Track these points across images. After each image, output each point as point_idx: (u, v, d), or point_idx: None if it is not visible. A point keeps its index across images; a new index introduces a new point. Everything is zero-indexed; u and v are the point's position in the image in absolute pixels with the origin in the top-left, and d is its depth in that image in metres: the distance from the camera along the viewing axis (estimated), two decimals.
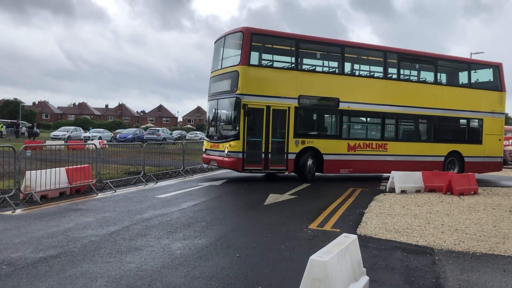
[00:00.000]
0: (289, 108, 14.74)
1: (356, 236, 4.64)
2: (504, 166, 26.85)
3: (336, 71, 16.21)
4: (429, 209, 10.30)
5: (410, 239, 7.44)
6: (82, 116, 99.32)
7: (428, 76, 18.34)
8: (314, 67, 16.31)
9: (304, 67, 15.93)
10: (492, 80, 19.14)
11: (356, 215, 9.49)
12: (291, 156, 14.84)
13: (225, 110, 15.22)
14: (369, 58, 17.57)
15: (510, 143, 29.01)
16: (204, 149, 16.30)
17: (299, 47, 15.42)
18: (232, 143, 14.19)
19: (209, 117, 16.40)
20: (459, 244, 7.15)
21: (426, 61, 17.94)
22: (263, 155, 14.32)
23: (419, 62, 17.96)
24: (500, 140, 19.09)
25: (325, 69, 16.45)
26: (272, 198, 11.28)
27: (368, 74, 17.29)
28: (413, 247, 6.93)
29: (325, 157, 15.46)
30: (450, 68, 18.77)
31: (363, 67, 17.58)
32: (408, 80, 17.78)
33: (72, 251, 6.05)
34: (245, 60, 14.37)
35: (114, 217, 8.46)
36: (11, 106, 76.81)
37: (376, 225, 8.45)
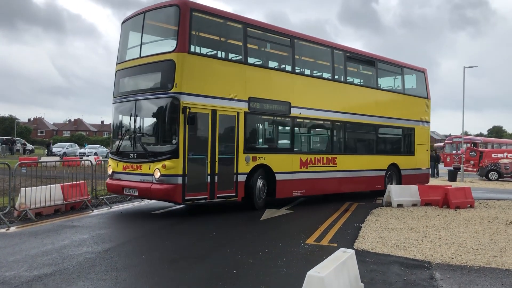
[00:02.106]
0: (238, 113, 11.12)
1: (353, 251, 4.63)
2: (499, 179, 26.90)
3: (287, 69, 13.13)
4: (425, 223, 10.29)
5: (407, 253, 7.41)
6: (77, 132, 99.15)
7: (370, 79, 16.43)
8: (264, 62, 13.09)
9: (253, 61, 12.50)
10: (419, 86, 17.89)
11: (353, 229, 9.47)
12: (241, 178, 11.14)
13: (153, 116, 11.00)
14: (318, 55, 14.97)
15: (505, 156, 29.17)
16: (110, 172, 11.44)
17: (248, 34, 11.85)
18: (167, 163, 9.92)
19: (117, 125, 11.86)
20: (457, 258, 7.13)
21: (368, 62, 15.95)
22: (208, 178, 10.44)
23: (361, 63, 15.98)
24: (427, 150, 18.07)
25: (276, 65, 13.59)
26: (268, 213, 11.24)
27: (317, 75, 14.69)
28: (410, 261, 6.90)
29: (278, 177, 12.03)
30: (387, 71, 16.90)
31: (312, 65, 15.00)
32: (353, 84, 15.66)
33: (67, 269, 5.99)
34: (184, 45, 10.34)
35: (109, 234, 8.40)
36: (6, 123, 76.68)
37: (373, 239, 8.42)
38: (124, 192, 10.92)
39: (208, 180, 10.45)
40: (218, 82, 10.96)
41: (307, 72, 14.49)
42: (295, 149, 12.86)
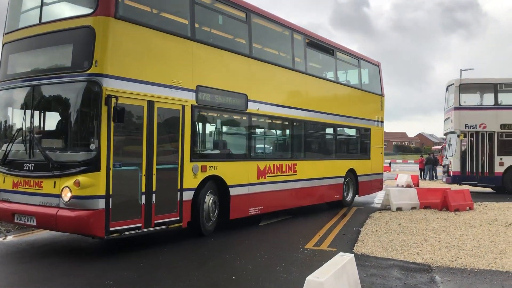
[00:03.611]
0: (183, 107, 8.19)
1: (352, 255, 4.60)
2: None
3: (243, 52, 10.18)
4: (425, 226, 10.26)
5: (407, 256, 7.38)
6: None
7: (329, 71, 14.22)
8: (214, 39, 10.03)
9: (202, 37, 9.31)
10: (374, 81, 15.93)
11: (352, 233, 9.43)
12: (187, 195, 8.25)
13: (60, 110, 7.74)
14: (276, 38, 12.24)
15: None
16: None
17: (195, 0, 8.93)
18: (82, 178, 6.77)
19: (4, 122, 8.41)
20: (457, 261, 7.10)
21: (327, 51, 13.56)
22: (142, 199, 7.38)
23: (321, 51, 13.49)
24: (381, 153, 16.16)
25: (230, 45, 10.36)
26: (266, 219, 11.20)
27: (275, 62, 11.49)
28: (410, 265, 6.87)
29: (233, 191, 9.33)
30: (345, 63, 14.63)
31: (270, 49, 12.13)
32: (314, 76, 12.82)
33: None
34: (108, 5, 7.19)
35: None
36: None
37: (372, 243, 8.39)
38: (16, 220, 7.50)
39: (143, 201, 7.36)
40: (157, 63, 7.93)
41: (266, 57, 11.37)
42: (252, 155, 10.17)
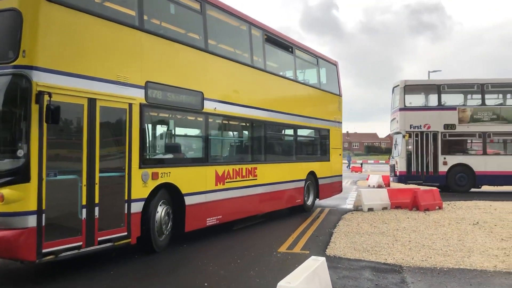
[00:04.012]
0: (131, 106, 7.23)
1: (324, 258, 4.61)
2: None
3: (198, 45, 9.28)
4: (396, 226, 10.41)
5: (378, 257, 7.46)
6: None
7: (288, 69, 13.56)
8: (165, 31, 9.00)
9: (152, 27, 8.37)
10: (332, 81, 15.54)
11: (325, 235, 9.48)
12: (136, 207, 7.29)
13: None
14: (233, 32, 11.36)
15: None
16: None
17: None
18: (6, 191, 5.78)
19: None
20: (427, 260, 7.22)
21: (286, 48, 13.00)
22: (83, 213, 6.39)
23: (280, 47, 12.79)
24: (340, 155, 15.90)
25: (183, 37, 9.43)
26: (240, 222, 11.15)
27: (233, 58, 10.72)
28: (382, 266, 6.94)
29: (189, 200, 8.41)
30: (304, 61, 14.13)
31: (228, 44, 11.02)
32: (273, 73, 12.10)
33: None
34: None
35: None
36: None
37: (345, 244, 8.45)
38: None
39: (84, 215, 6.36)
40: (100, 55, 6.92)
41: (223, 52, 10.42)
42: (209, 159, 9.31)
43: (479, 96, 19.86)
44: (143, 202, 7.41)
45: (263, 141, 11.29)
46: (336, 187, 15.37)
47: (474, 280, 6.16)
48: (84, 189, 6.42)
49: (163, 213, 7.84)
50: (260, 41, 11.56)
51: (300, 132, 13.44)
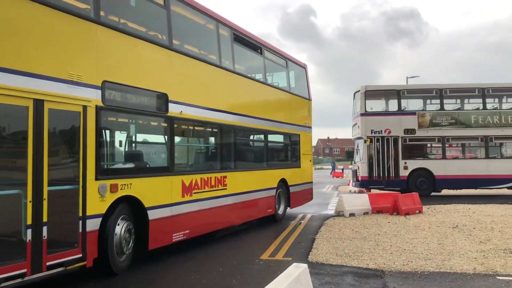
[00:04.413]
0: (85, 108, 6.39)
1: (306, 265, 4.58)
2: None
3: (162, 42, 8.42)
4: (377, 231, 10.48)
5: (360, 262, 7.48)
6: None
7: (258, 71, 12.72)
8: (125, 25, 7.90)
9: (110, 20, 7.46)
10: (301, 84, 15.03)
11: (307, 241, 9.48)
12: (93, 225, 6.41)
13: None
14: (200, 29, 10.46)
15: None
16: None
17: None
18: None
19: None
20: (408, 264, 7.27)
21: (255, 48, 12.22)
22: (28, 235, 5.48)
23: (249, 48, 11.97)
24: (310, 161, 15.47)
25: (146, 34, 8.40)
26: (222, 229, 11.08)
27: (200, 57, 9.86)
28: (364, 271, 6.97)
29: (152, 214, 7.52)
30: (273, 63, 13.42)
31: (194, 42, 10.11)
32: (242, 75, 11.38)
33: None
34: None
35: None
36: None
37: (327, 250, 8.46)
38: None
39: (29, 237, 5.45)
40: (48, 50, 5.98)
41: (189, 51, 9.55)
42: (175, 168, 8.39)
43: (438, 101, 20.21)
44: (100, 219, 6.50)
45: (232, 147, 10.54)
46: (307, 195, 14.87)
47: (454, 283, 6.23)
48: (30, 205, 5.45)
49: (123, 230, 6.92)
50: (229, 40, 10.78)
51: (271, 137, 12.85)
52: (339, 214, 13.58)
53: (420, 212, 13.81)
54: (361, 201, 13.96)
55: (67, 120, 6.24)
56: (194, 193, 8.74)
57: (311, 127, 15.33)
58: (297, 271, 4.29)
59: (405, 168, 19.57)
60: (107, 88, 6.81)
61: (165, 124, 8.27)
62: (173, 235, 8.11)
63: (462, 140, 20.22)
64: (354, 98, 21.49)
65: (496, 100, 21.03)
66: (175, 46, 8.67)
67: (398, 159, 19.62)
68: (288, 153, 14.01)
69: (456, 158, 20.68)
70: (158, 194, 7.76)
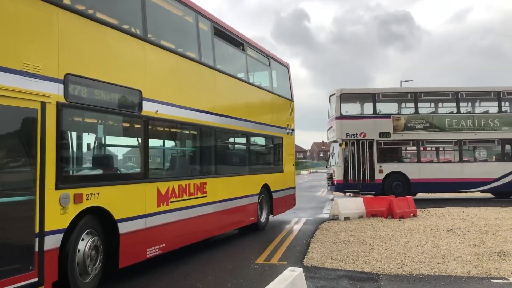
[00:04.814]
0: (44, 105, 5.46)
1: (301, 269, 4.59)
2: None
3: (136, 33, 7.52)
4: (372, 234, 10.50)
5: (355, 266, 7.49)
6: None
7: (239, 69, 11.76)
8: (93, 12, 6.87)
9: (74, 4, 6.41)
10: (283, 84, 14.27)
11: (302, 245, 9.48)
12: (52, 242, 5.44)
13: None
14: (178, 21, 9.49)
15: None
16: None
17: None
18: None
19: None
20: (403, 268, 7.29)
21: (237, 44, 11.42)
22: None
23: (230, 43, 11.08)
24: (293, 165, 14.62)
25: (117, 22, 7.38)
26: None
27: (179, 51, 8.92)
28: (359, 275, 6.97)
29: (124, 227, 6.63)
30: (256, 60, 12.62)
31: (171, 34, 9.15)
32: (224, 73, 10.38)
33: None
34: None
35: None
36: None
37: (322, 254, 8.47)
38: None
39: None
40: None
41: (166, 44, 8.51)
42: (150, 175, 7.39)
43: (413, 105, 20.20)
44: (62, 235, 5.56)
45: (213, 151, 9.66)
46: (290, 201, 14.06)
47: (448, 286, 6.25)
48: None
49: (87, 247, 5.93)
50: (209, 34, 9.84)
51: (254, 140, 12.04)
52: (334, 217, 13.60)
53: (415, 215, 13.85)
54: (356, 204, 13.99)
55: (21, 118, 5.29)
56: (171, 202, 7.78)
57: (294, 130, 14.70)
58: (293, 275, 4.30)
59: (380, 171, 19.48)
60: (71, 82, 5.85)
61: (139, 125, 7.27)
62: (148, 250, 7.12)
63: (437, 143, 20.30)
64: (329, 102, 21.31)
65: (470, 104, 21.14)
66: (151, 38, 7.72)
67: (374, 163, 19.53)
68: (271, 157, 13.34)
69: (431, 161, 20.68)
70: (130, 204, 6.79)
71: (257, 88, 12.29)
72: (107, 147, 7.19)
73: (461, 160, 19.86)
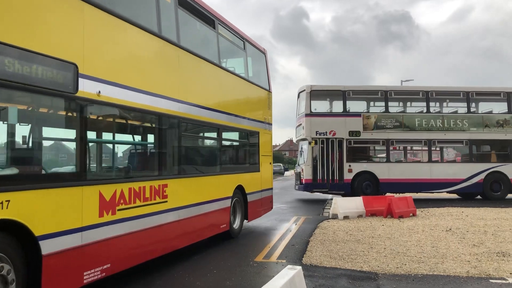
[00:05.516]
0: None
1: (300, 267, 4.59)
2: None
3: None
4: (371, 234, 10.50)
5: (354, 265, 7.50)
6: None
7: (209, 50, 9.77)
8: None
9: None
10: (260, 73, 12.71)
11: (301, 244, 9.48)
12: None
13: None
14: None
15: None
16: None
17: None
18: None
19: None
20: (402, 267, 7.29)
21: (206, 20, 9.43)
22: None
23: (198, 17, 9.15)
24: (270, 163, 13.11)
25: None
26: None
27: (131, 18, 6.70)
28: (357, 273, 6.98)
29: (48, 247, 4.79)
30: (229, 42, 10.70)
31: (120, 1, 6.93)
32: (191, 52, 8.44)
33: None
34: None
35: None
36: None
37: (321, 252, 8.47)
38: None
39: None
40: None
41: (114, 8, 6.35)
42: (89, 175, 5.71)
43: (383, 103, 19.99)
44: None
45: (176, 146, 7.87)
46: (267, 204, 12.56)
47: (447, 286, 6.25)
48: None
49: None
50: (172, 3, 8.07)
51: (226, 135, 10.33)
52: (333, 217, 13.61)
53: (414, 215, 13.86)
54: (355, 204, 14.00)
55: None
56: (119, 210, 6.06)
57: (271, 124, 13.21)
58: (291, 273, 4.30)
59: (350, 171, 19.20)
60: None
61: (74, 110, 5.48)
62: (85, 273, 5.39)
63: (406, 143, 20.17)
64: (298, 98, 20.85)
65: (440, 104, 21.03)
66: None
67: (343, 162, 19.24)
68: (246, 154, 11.69)
69: (400, 161, 20.46)
70: (59, 214, 5.06)
71: (230, 74, 10.53)
72: (27, 138, 5.27)
73: (430, 160, 19.73)
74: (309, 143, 19.37)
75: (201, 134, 9.75)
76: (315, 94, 19.82)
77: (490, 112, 20.33)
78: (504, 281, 6.45)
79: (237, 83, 10.95)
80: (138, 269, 7.29)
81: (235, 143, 11.32)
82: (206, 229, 8.96)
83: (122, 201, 6.15)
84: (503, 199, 19.21)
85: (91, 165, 5.98)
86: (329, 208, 14.64)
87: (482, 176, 19.36)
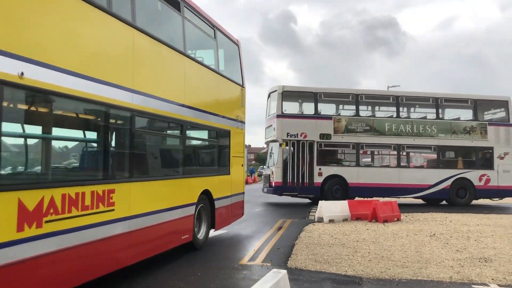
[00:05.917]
0: None
1: (285, 271, 4.57)
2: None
3: None
4: (356, 238, 10.54)
5: (339, 269, 7.51)
6: None
7: (173, 35, 8.56)
8: None
9: None
10: (232, 66, 11.70)
11: (287, 247, 9.47)
12: None
13: None
14: None
15: None
16: None
17: None
18: None
19: None
20: (386, 272, 7.32)
21: (171, 2, 8.30)
22: None
23: None
24: (242, 165, 12.01)
25: None
26: None
27: None
28: (342, 277, 6.99)
29: None
30: (197, 28, 9.44)
31: None
32: (149, 35, 7.24)
33: None
34: None
35: None
36: None
37: (306, 256, 8.47)
38: None
39: None
40: None
41: None
42: (2, 179, 4.55)
43: (354, 106, 19.87)
44: None
45: (128, 144, 6.69)
46: (237, 210, 11.49)
47: None
48: None
49: None
50: None
51: (192, 133, 9.26)
52: (318, 220, 13.63)
53: (399, 219, 13.95)
54: (340, 207, 14.04)
55: None
56: (47, 221, 4.84)
57: (244, 122, 12.12)
58: (277, 277, 4.28)
59: (320, 174, 19.00)
60: None
61: None
62: None
63: (376, 147, 20.21)
64: (269, 98, 20.57)
65: (409, 109, 21.20)
66: None
67: (313, 165, 19.01)
68: (214, 155, 10.58)
69: (370, 166, 20.53)
70: None
71: (198, 64, 9.40)
72: None
73: (399, 165, 19.84)
74: (280, 144, 18.95)
75: (160, 131, 8.50)
76: (287, 95, 19.56)
77: (458, 119, 20.54)
78: (486, 287, 6.52)
79: (205, 75, 9.80)
80: (119, 271, 7.21)
81: (201, 142, 10.34)
82: (163, 241, 7.77)
83: (52, 211, 4.93)
84: (468, 205, 19.49)
85: (4, 165, 4.65)
86: (315, 211, 14.65)
87: (449, 182, 19.58)
